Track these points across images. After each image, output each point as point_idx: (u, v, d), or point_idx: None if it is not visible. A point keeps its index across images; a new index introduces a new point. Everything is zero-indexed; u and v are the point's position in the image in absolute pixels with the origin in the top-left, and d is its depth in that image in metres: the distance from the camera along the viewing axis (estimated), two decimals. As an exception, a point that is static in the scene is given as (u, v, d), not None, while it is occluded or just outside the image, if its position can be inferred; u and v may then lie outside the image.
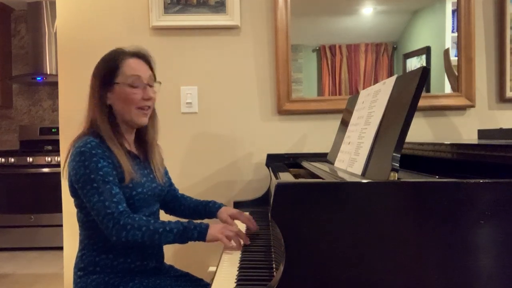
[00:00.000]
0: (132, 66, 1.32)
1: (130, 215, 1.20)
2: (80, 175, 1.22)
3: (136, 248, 1.29)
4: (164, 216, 1.51)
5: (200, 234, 1.21)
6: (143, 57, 1.36)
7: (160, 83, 1.41)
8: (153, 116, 1.41)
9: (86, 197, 1.21)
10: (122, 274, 1.28)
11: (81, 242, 1.33)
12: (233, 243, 1.21)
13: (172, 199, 1.53)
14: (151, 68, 1.38)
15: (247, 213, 1.44)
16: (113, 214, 1.17)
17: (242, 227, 1.40)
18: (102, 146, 1.25)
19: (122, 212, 1.19)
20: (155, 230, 1.19)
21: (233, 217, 1.42)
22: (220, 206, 1.49)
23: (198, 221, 1.26)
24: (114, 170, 1.24)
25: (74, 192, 1.29)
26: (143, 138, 1.42)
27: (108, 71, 1.32)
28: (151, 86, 1.35)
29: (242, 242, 1.23)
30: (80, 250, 1.33)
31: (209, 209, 1.49)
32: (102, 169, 1.21)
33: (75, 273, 1.31)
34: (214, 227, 1.23)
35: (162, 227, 1.19)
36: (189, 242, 1.24)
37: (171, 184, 1.54)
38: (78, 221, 1.33)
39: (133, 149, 1.38)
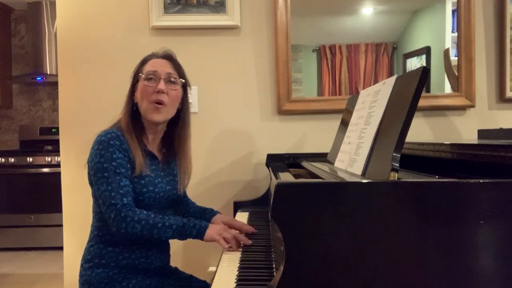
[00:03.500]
0: (152, 64, 1.36)
1: (132, 208, 1.22)
2: (95, 162, 1.26)
3: (142, 245, 1.31)
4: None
5: (199, 233, 1.22)
6: (166, 56, 1.39)
7: (185, 82, 1.41)
8: (181, 126, 1.43)
9: (96, 185, 1.25)
10: (126, 270, 1.29)
11: (91, 233, 1.36)
12: (229, 245, 1.21)
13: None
14: (176, 68, 1.39)
15: (240, 221, 1.41)
16: (116, 205, 1.20)
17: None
18: (122, 139, 1.29)
19: (126, 204, 1.21)
20: (154, 225, 1.20)
21: (227, 224, 1.39)
22: (215, 213, 1.50)
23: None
24: (128, 163, 1.28)
25: (91, 180, 1.32)
26: (171, 145, 1.44)
27: (136, 70, 1.39)
28: (170, 82, 1.35)
29: (241, 243, 1.22)
30: (88, 242, 1.36)
31: (205, 217, 1.49)
32: (116, 160, 1.24)
33: (81, 265, 1.34)
34: (213, 227, 1.24)
35: (161, 222, 1.21)
36: (189, 242, 1.25)
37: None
38: (93, 211, 1.36)
39: (154, 149, 1.40)
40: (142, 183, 1.30)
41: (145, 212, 1.23)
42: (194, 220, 1.24)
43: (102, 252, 1.30)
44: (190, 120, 1.46)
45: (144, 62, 1.38)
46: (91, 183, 1.33)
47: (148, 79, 1.33)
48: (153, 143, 1.41)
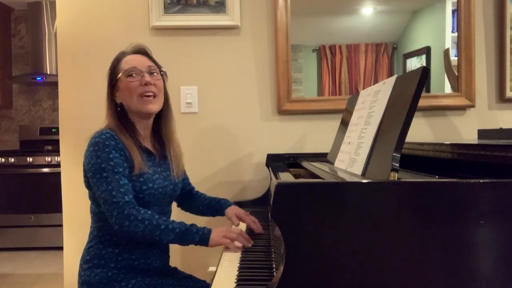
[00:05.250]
0: (128, 61, 1.36)
1: (136, 207, 1.22)
2: (92, 164, 1.25)
3: (141, 245, 1.31)
4: (178, 212, 1.53)
5: (202, 239, 1.21)
6: (140, 51, 1.40)
7: (164, 72, 1.42)
8: (165, 114, 1.43)
9: (95, 186, 1.25)
10: (126, 270, 1.29)
11: (90, 234, 1.36)
12: (237, 244, 1.22)
13: (187, 196, 1.58)
14: (152, 60, 1.40)
15: (253, 217, 1.44)
16: (119, 203, 1.20)
17: (243, 228, 1.41)
18: (117, 138, 1.29)
19: (128, 202, 1.21)
20: (157, 226, 1.20)
21: (239, 217, 1.44)
22: (230, 204, 1.53)
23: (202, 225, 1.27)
24: (125, 162, 1.27)
25: (88, 183, 1.32)
26: (159, 136, 1.44)
27: (111, 72, 1.38)
28: (152, 73, 1.36)
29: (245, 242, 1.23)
30: (88, 243, 1.36)
31: (220, 205, 1.53)
32: (113, 160, 1.24)
33: (80, 266, 1.34)
34: (217, 231, 1.23)
35: (164, 224, 1.21)
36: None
37: (189, 184, 1.60)
38: (91, 212, 1.36)
39: (148, 145, 1.40)
40: (141, 181, 1.30)
41: (149, 212, 1.23)
42: (197, 226, 1.24)
43: (101, 252, 1.30)
44: (171, 107, 1.46)
45: (118, 61, 1.37)
46: (88, 186, 1.32)
47: (130, 75, 1.33)
48: (146, 139, 1.41)
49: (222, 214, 1.52)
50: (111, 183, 1.22)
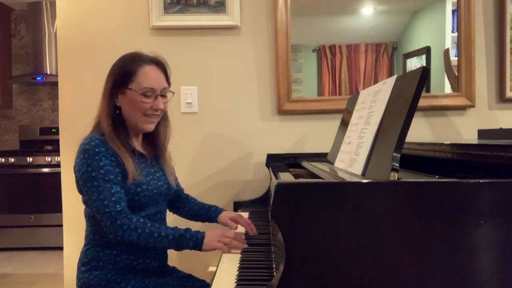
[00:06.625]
0: (148, 76, 1.31)
1: (128, 215, 1.21)
2: (83, 172, 1.24)
3: (139, 246, 1.30)
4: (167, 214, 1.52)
5: (196, 244, 1.21)
6: (160, 65, 1.36)
7: (173, 92, 1.42)
8: (164, 120, 1.42)
9: (87, 194, 1.24)
10: (124, 271, 1.29)
11: (86, 237, 1.35)
12: (232, 246, 1.21)
13: (176, 199, 1.55)
14: (167, 77, 1.38)
15: (246, 218, 1.44)
16: (111, 212, 1.19)
17: (242, 230, 1.40)
18: (107, 144, 1.27)
19: (120, 211, 1.20)
20: (150, 234, 1.19)
21: (233, 220, 1.43)
22: (220, 211, 1.50)
23: (196, 229, 1.26)
24: (117, 168, 1.26)
25: (80, 188, 1.31)
26: (154, 140, 1.43)
27: (123, 74, 1.32)
28: (163, 96, 1.35)
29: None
30: (85, 245, 1.35)
31: (210, 214, 1.50)
32: (104, 168, 1.23)
33: (78, 268, 1.33)
34: (210, 235, 1.22)
35: (157, 232, 1.20)
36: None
37: (177, 185, 1.55)
38: (85, 216, 1.35)
39: (140, 148, 1.40)
40: (135, 183, 1.28)
41: (141, 220, 1.22)
42: (191, 231, 1.23)
43: (99, 254, 1.29)
44: (169, 119, 1.45)
45: (136, 67, 1.31)
46: (80, 191, 1.32)
47: (145, 95, 1.30)
48: (138, 142, 1.40)
49: (213, 221, 1.50)
50: (102, 192, 1.20)
